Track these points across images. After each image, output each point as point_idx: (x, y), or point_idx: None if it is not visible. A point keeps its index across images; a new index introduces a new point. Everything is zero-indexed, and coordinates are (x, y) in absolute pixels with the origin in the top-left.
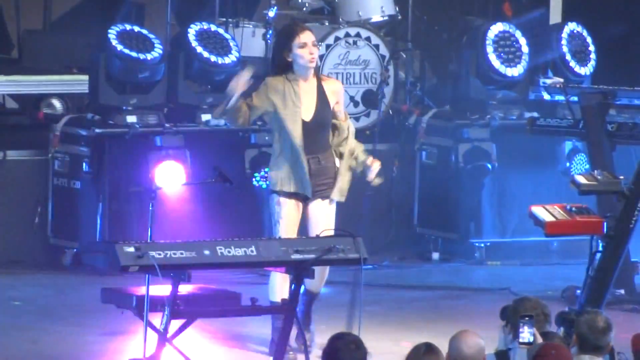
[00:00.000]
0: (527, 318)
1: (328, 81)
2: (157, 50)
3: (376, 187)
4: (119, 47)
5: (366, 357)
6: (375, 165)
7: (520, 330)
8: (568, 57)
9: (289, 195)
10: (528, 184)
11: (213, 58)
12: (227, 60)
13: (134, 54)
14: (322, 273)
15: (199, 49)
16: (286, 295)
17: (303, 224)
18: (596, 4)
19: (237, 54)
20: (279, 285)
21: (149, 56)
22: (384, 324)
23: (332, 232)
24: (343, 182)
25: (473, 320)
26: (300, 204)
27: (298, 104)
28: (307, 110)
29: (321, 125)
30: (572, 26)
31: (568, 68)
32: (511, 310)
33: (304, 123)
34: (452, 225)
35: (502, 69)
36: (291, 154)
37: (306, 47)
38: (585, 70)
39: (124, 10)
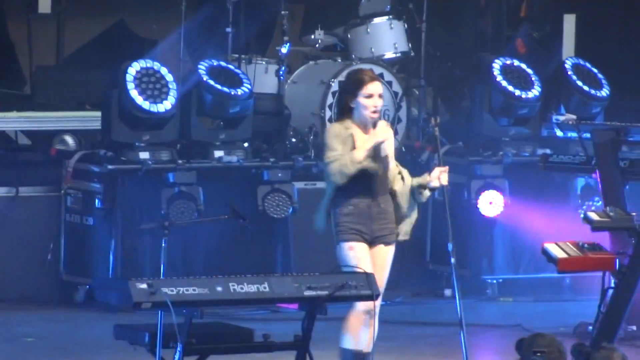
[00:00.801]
0: (539, 354)
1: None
2: (246, 86)
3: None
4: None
5: None
6: (434, 174)
7: None
8: (580, 83)
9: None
10: (541, 221)
11: (226, 89)
12: (240, 92)
13: (225, 89)
14: (370, 332)
15: (211, 82)
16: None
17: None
18: (608, 38)
19: (249, 86)
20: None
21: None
22: None
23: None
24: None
25: (485, 357)
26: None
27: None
28: None
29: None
30: (573, 61)
31: (584, 92)
32: (526, 345)
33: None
34: (464, 262)
35: (512, 96)
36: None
37: (372, 98)
38: (602, 92)
39: (137, 47)
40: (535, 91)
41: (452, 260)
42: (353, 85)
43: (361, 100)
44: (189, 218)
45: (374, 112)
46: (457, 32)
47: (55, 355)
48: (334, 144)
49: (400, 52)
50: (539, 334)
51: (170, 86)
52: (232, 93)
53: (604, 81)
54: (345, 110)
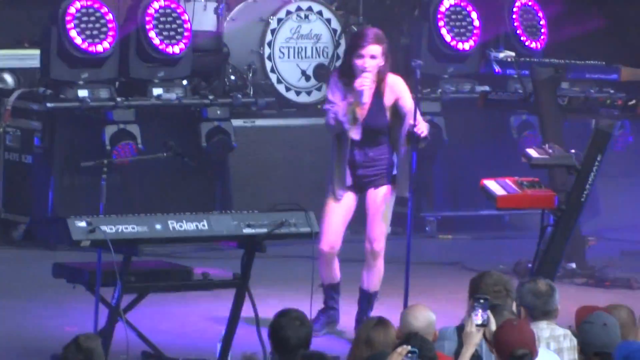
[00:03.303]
0: (482, 300)
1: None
2: (184, 42)
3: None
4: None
5: (311, 333)
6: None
7: (474, 312)
8: (519, 31)
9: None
10: (480, 158)
11: (162, 46)
12: (177, 49)
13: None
14: (379, 273)
15: (152, 34)
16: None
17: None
18: None
19: (187, 40)
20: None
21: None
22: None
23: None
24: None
25: (425, 294)
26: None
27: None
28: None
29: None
30: (523, 0)
31: (520, 42)
32: (472, 285)
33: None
34: (403, 199)
35: (453, 42)
36: None
37: (362, 59)
38: (537, 44)
39: None
40: (471, 41)
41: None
42: (350, 46)
43: (355, 60)
44: (128, 156)
45: (363, 72)
46: None
47: None
48: (328, 95)
49: None
50: (485, 272)
51: (110, 25)
52: (170, 51)
53: (543, 30)
54: (347, 67)
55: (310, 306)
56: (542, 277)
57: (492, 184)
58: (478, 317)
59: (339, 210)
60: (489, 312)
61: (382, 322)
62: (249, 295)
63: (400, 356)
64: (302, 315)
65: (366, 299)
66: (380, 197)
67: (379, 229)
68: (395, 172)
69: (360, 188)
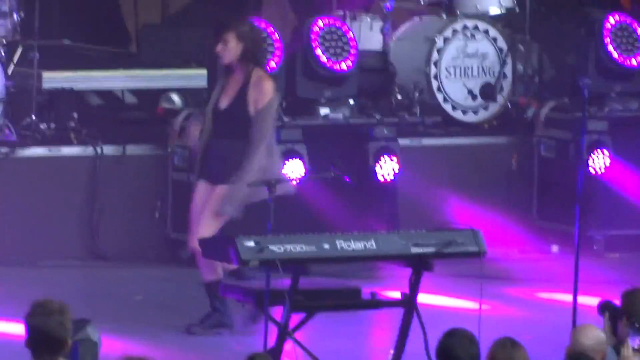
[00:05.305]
0: (637, 325)
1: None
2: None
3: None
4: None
5: (479, 351)
6: None
7: (631, 337)
8: None
9: None
10: None
11: (330, 63)
12: (344, 66)
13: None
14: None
15: (318, 52)
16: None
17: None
18: None
19: (354, 57)
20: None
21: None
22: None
23: None
24: None
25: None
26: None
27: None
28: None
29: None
30: None
31: None
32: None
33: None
34: (571, 218)
35: (620, 59)
36: None
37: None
38: None
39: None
40: (639, 58)
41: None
42: None
43: None
44: (295, 176)
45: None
46: None
47: (162, 313)
48: None
49: (504, 8)
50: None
51: (277, 45)
52: (336, 68)
53: None
54: None
55: (478, 327)
56: None
57: None
58: (636, 341)
59: None
60: None
61: (516, 343)
62: (417, 314)
63: None
64: (470, 334)
65: None
66: None
67: None
68: None
69: None
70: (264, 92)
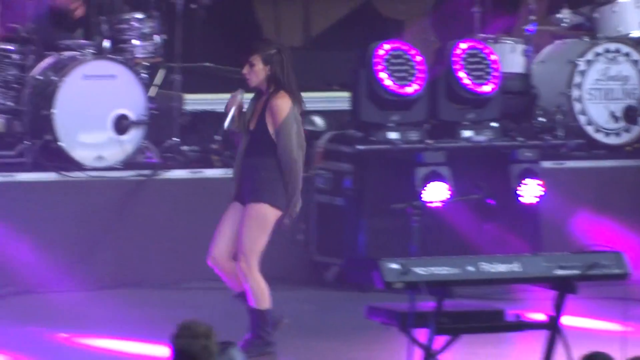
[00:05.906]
0: None
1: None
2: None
3: None
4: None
5: None
6: None
7: None
8: None
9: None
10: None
11: (472, 86)
12: (487, 89)
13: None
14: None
15: (461, 74)
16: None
17: None
18: None
19: (497, 81)
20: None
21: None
22: None
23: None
24: None
25: None
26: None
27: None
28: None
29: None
30: None
31: None
32: None
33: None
34: None
35: None
36: None
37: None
38: None
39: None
40: None
41: None
42: None
43: None
44: (439, 199)
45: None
46: None
47: (307, 336)
48: None
49: None
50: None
51: (419, 67)
52: (479, 90)
53: None
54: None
55: (621, 350)
56: None
57: None
58: None
59: None
60: None
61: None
62: (562, 337)
63: None
64: (610, 357)
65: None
66: None
67: None
68: None
69: None
70: (278, 112)
